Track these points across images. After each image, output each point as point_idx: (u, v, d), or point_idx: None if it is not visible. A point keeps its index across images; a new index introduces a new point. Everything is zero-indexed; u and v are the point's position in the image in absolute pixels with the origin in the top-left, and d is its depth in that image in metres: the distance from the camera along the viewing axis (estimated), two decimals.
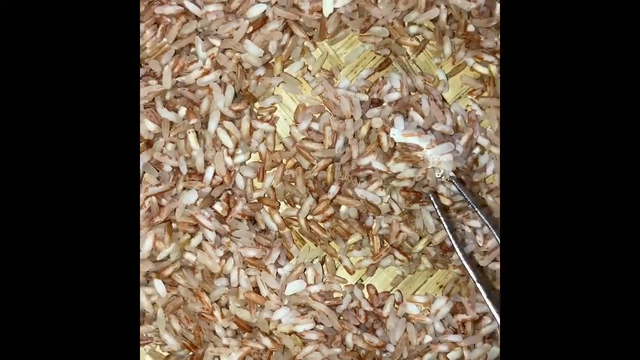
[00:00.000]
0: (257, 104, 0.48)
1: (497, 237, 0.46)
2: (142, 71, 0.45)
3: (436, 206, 0.47)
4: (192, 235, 0.46)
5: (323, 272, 0.49)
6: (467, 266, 0.46)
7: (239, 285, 0.46)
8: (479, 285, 0.45)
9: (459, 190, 0.47)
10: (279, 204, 0.48)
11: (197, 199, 0.45)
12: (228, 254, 0.46)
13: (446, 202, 0.48)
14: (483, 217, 0.46)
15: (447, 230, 0.46)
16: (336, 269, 0.49)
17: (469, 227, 0.49)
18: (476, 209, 0.46)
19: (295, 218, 0.48)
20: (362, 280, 0.50)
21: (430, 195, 0.47)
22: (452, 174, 0.46)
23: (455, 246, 0.46)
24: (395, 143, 0.46)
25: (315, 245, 0.49)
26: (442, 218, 0.47)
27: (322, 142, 0.47)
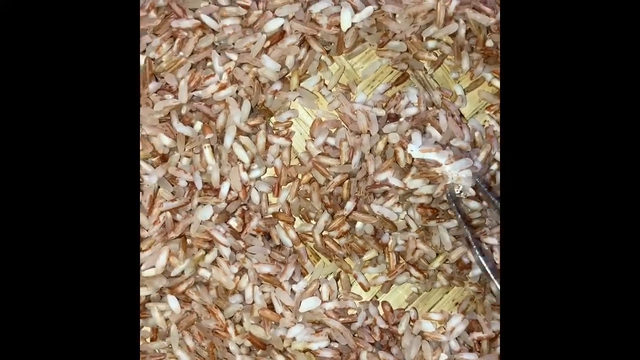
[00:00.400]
0: (273, 119, 0.48)
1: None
2: (158, 85, 0.45)
3: (458, 213, 0.46)
4: (207, 251, 0.45)
5: (338, 289, 0.48)
6: (485, 267, 0.45)
7: (253, 302, 0.45)
8: (495, 282, 0.44)
9: (486, 194, 0.46)
10: (294, 219, 0.48)
11: (212, 215, 0.45)
12: (243, 270, 0.46)
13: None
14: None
15: (468, 232, 0.45)
16: (351, 285, 0.49)
17: (487, 244, 0.49)
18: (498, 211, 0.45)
19: (311, 234, 0.48)
20: (377, 297, 0.49)
21: (452, 201, 0.46)
22: (471, 190, 0.46)
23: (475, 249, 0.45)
24: (412, 159, 0.46)
25: (330, 261, 0.49)
26: (460, 218, 0.46)
27: (339, 158, 0.46)
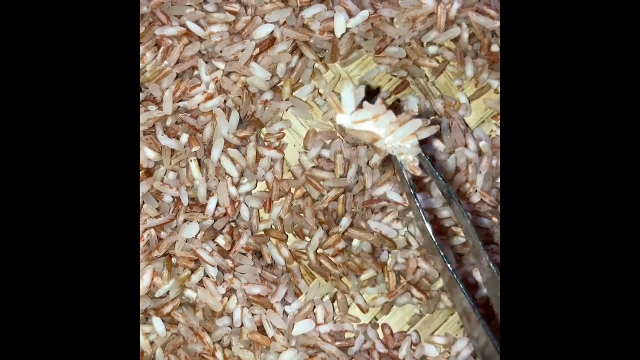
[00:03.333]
0: (264, 130, 0.45)
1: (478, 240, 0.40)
2: (141, 96, 0.43)
3: (406, 182, 0.40)
4: (193, 270, 0.43)
5: (334, 311, 0.46)
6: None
7: (242, 325, 0.43)
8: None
9: (430, 166, 0.40)
10: (287, 236, 0.45)
11: (199, 232, 0.42)
12: (231, 291, 0.43)
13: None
14: (458, 203, 0.39)
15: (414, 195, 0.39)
16: (348, 306, 0.46)
17: (496, 262, 0.46)
18: (455, 199, 0.39)
19: (304, 252, 0.45)
20: (376, 319, 0.47)
21: (399, 169, 0.40)
22: (416, 160, 0.39)
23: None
24: (344, 131, 0.40)
25: (326, 281, 0.46)
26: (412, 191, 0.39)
27: (333, 171, 0.44)
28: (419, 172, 0.40)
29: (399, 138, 0.39)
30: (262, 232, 0.45)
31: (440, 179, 0.40)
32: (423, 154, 0.40)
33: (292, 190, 0.45)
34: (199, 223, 0.42)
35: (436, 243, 0.39)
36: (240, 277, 0.43)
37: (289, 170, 0.46)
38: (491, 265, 0.39)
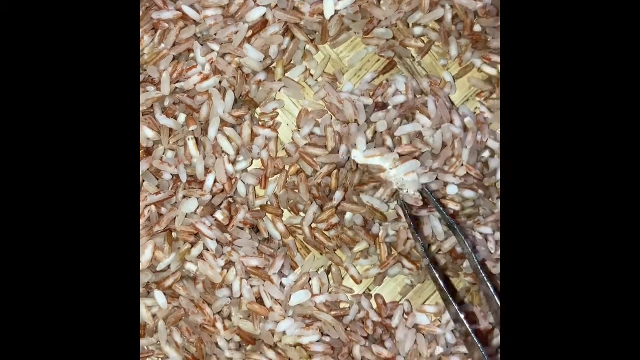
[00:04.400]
0: (258, 110, 0.47)
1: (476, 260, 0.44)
2: (140, 77, 0.44)
3: (406, 217, 0.45)
4: (193, 244, 0.44)
5: (329, 282, 0.47)
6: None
7: (241, 296, 0.45)
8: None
9: (432, 199, 0.45)
10: (282, 211, 0.47)
11: (197, 207, 0.44)
12: (230, 264, 0.45)
13: (456, 207, 0.46)
14: (463, 239, 0.44)
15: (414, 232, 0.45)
16: (342, 278, 0.48)
17: (480, 233, 0.48)
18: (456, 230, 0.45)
19: (299, 226, 0.47)
20: (369, 290, 0.48)
21: (401, 205, 0.46)
22: (417, 194, 0.45)
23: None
24: (357, 165, 0.45)
25: (321, 254, 0.48)
26: (410, 225, 0.45)
27: (326, 146, 0.46)
28: (419, 204, 0.45)
29: (402, 172, 0.44)
30: (259, 208, 0.47)
31: (443, 211, 0.45)
32: (427, 190, 0.45)
33: (287, 167, 0.47)
34: (197, 199, 0.44)
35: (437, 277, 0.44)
36: (238, 250, 0.45)
37: (283, 148, 0.47)
38: (495, 296, 0.43)
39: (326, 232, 0.47)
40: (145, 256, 0.43)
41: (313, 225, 0.47)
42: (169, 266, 0.44)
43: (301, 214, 0.47)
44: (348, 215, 0.47)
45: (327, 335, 0.45)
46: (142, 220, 0.43)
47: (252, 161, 0.47)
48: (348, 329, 0.46)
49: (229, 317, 0.45)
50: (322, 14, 0.45)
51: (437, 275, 0.44)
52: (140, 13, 0.44)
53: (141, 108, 0.44)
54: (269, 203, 0.47)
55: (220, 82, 0.45)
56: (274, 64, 0.47)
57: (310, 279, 0.46)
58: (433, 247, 0.47)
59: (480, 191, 0.47)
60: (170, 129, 0.44)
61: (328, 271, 0.48)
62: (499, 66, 0.48)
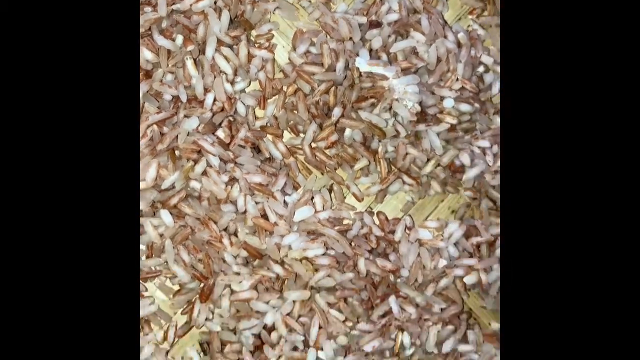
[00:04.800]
0: (253, 32, 0.48)
1: None
2: None
3: None
4: (196, 161, 0.45)
5: (331, 200, 0.48)
6: None
7: (246, 211, 0.45)
8: None
9: None
10: (282, 132, 0.48)
11: (199, 125, 0.44)
12: (233, 180, 0.45)
13: (453, 121, 0.47)
14: None
15: None
16: (344, 197, 0.49)
17: (478, 147, 0.48)
18: None
19: (300, 147, 0.47)
20: (371, 208, 0.49)
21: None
22: (417, 105, 0.45)
23: None
24: (360, 73, 0.46)
25: (322, 174, 0.48)
26: None
27: (322, 64, 0.46)
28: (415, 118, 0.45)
29: (404, 82, 0.44)
30: (259, 128, 0.47)
31: None
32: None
33: (284, 88, 0.47)
34: (198, 117, 0.45)
35: None
36: (241, 167, 0.45)
37: (280, 70, 0.48)
38: None
39: (327, 151, 0.48)
40: (149, 174, 0.44)
41: (313, 144, 0.47)
42: (173, 185, 0.45)
43: (301, 135, 0.48)
44: (347, 132, 0.47)
45: (332, 249, 0.46)
46: (144, 140, 0.44)
47: (250, 82, 0.47)
48: (352, 243, 0.47)
49: (235, 234, 0.45)
50: None
51: None
52: None
53: (140, 30, 0.44)
54: (269, 125, 0.47)
55: (215, 2, 0.45)
56: None
57: (313, 197, 0.47)
58: (432, 162, 0.48)
59: (476, 105, 0.48)
60: (169, 52, 0.45)
61: (330, 190, 0.48)
62: None
